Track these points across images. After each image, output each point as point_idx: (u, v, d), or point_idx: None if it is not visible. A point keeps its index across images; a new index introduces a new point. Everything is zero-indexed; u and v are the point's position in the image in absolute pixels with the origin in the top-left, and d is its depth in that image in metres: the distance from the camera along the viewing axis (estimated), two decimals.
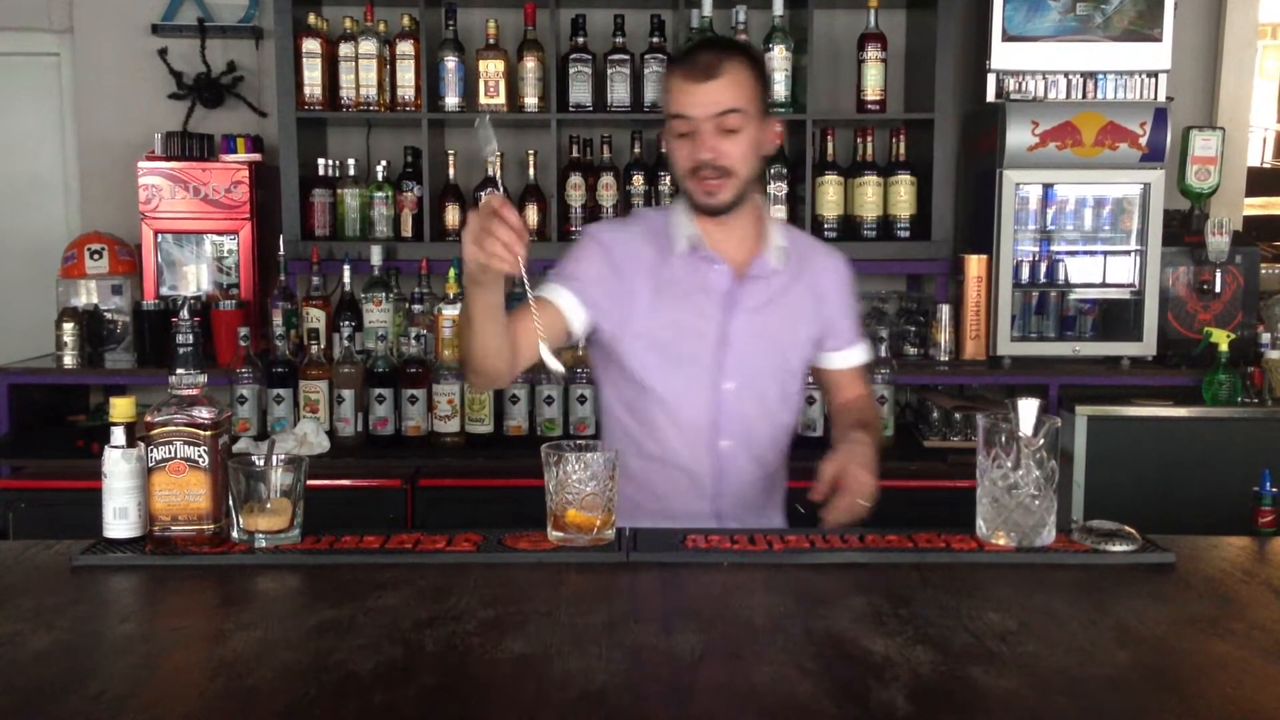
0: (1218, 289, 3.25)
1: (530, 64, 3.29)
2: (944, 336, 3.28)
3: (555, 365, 1.62)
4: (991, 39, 3.18)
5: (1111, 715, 1.05)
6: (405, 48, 3.27)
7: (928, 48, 3.30)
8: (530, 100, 3.31)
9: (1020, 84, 3.20)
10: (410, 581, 1.38)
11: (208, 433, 1.46)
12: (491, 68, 3.29)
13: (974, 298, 3.25)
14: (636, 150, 3.38)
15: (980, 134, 3.36)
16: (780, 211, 3.32)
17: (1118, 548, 1.50)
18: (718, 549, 1.50)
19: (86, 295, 3.30)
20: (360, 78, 3.27)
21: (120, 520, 1.51)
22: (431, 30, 3.34)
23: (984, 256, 3.24)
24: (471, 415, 3.01)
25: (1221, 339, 3.07)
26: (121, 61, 3.54)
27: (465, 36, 3.35)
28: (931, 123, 3.26)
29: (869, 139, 3.37)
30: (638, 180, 3.33)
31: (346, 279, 3.18)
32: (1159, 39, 3.17)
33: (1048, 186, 3.29)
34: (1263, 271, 3.36)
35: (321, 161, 3.33)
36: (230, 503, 1.50)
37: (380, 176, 3.34)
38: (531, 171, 3.35)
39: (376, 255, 3.20)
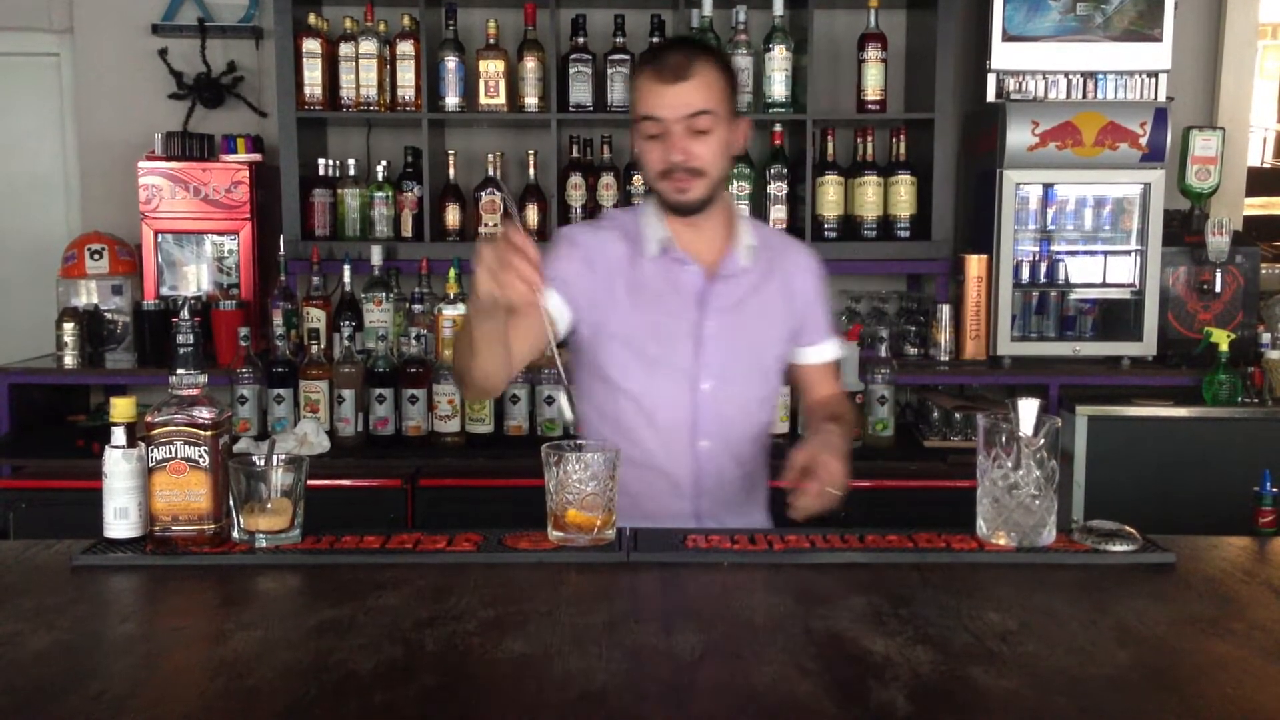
0: (1218, 289, 3.25)
1: (530, 64, 3.29)
2: (944, 336, 3.28)
3: (571, 416, 1.70)
4: (991, 39, 3.18)
5: (1111, 715, 1.05)
6: (405, 48, 3.27)
7: (928, 48, 3.30)
8: (530, 100, 3.31)
9: (1020, 84, 3.20)
10: (410, 581, 1.38)
11: (208, 433, 1.46)
12: (492, 68, 3.29)
13: (974, 298, 3.25)
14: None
15: (980, 134, 3.36)
16: (780, 211, 3.32)
17: (1118, 548, 1.50)
18: (718, 549, 1.50)
19: (87, 295, 3.30)
20: (360, 78, 3.27)
21: (121, 520, 1.51)
22: (431, 30, 3.34)
23: (984, 256, 3.24)
24: (472, 415, 3.01)
25: (1222, 339, 3.07)
26: (122, 61, 3.54)
27: (465, 36, 3.35)
28: (931, 123, 3.26)
29: (869, 139, 3.37)
30: (638, 180, 3.32)
31: (347, 279, 3.18)
32: (1159, 39, 3.17)
33: (1048, 186, 3.29)
34: (1263, 271, 3.36)
35: (322, 161, 3.33)
36: (231, 503, 1.50)
37: (380, 176, 3.34)
38: (532, 171, 3.34)
39: (377, 255, 3.20)
